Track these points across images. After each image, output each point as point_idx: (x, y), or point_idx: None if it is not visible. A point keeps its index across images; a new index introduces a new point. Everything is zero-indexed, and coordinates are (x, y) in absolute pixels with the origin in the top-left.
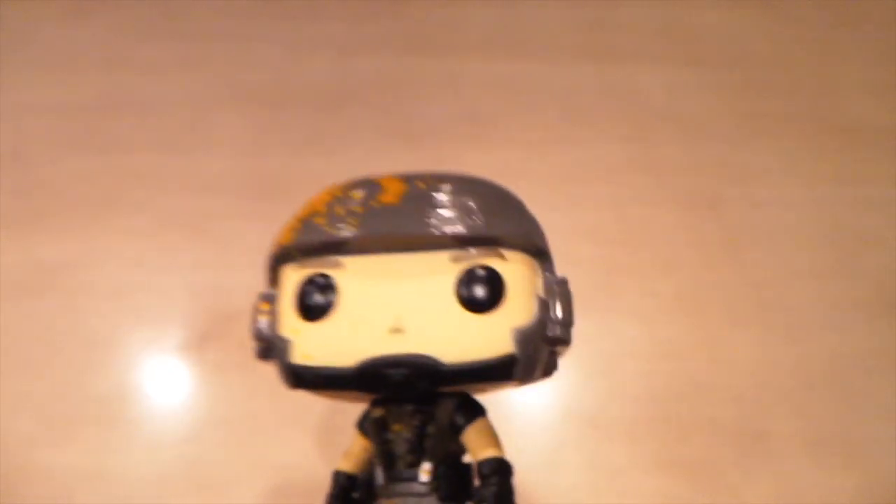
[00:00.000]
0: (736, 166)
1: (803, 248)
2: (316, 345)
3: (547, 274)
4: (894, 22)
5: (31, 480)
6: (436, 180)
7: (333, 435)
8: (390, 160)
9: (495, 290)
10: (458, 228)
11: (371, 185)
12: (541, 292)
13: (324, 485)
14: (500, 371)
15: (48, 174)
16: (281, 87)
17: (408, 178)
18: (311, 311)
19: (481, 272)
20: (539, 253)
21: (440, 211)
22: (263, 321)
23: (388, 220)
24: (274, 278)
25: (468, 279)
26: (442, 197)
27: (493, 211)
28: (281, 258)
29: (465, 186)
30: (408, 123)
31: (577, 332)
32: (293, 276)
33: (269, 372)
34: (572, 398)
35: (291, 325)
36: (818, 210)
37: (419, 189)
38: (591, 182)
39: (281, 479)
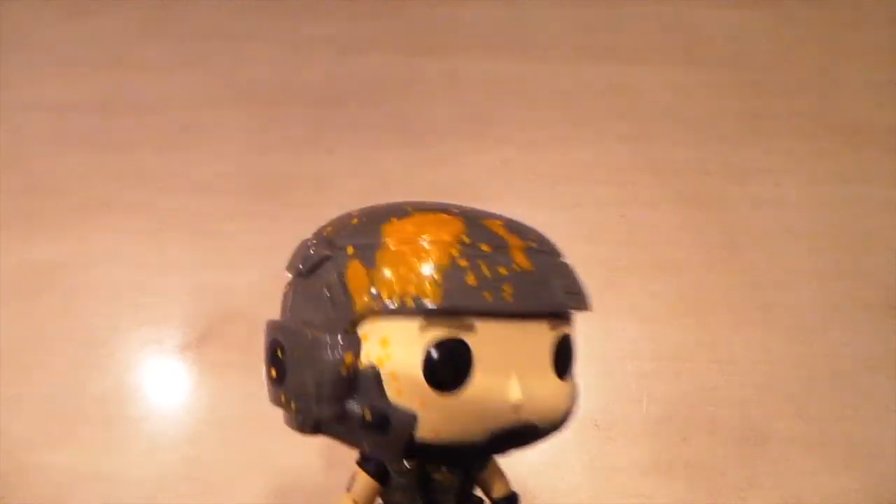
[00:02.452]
0: (737, 166)
1: (805, 249)
2: (447, 419)
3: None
4: (895, 22)
5: (30, 480)
6: (538, 239)
7: None
8: (390, 160)
9: (573, 356)
10: (584, 303)
11: (496, 238)
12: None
13: (323, 485)
14: (559, 428)
15: (48, 174)
16: (281, 86)
17: (514, 230)
18: (446, 381)
19: (568, 342)
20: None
21: (565, 281)
22: (348, 381)
23: (538, 290)
24: (355, 323)
25: (560, 348)
26: (558, 264)
27: (578, 280)
28: (397, 313)
29: (557, 252)
30: (408, 123)
31: (577, 332)
32: (417, 336)
33: None
34: None
35: (415, 394)
36: (819, 210)
37: (535, 250)
38: (591, 182)
39: (280, 480)
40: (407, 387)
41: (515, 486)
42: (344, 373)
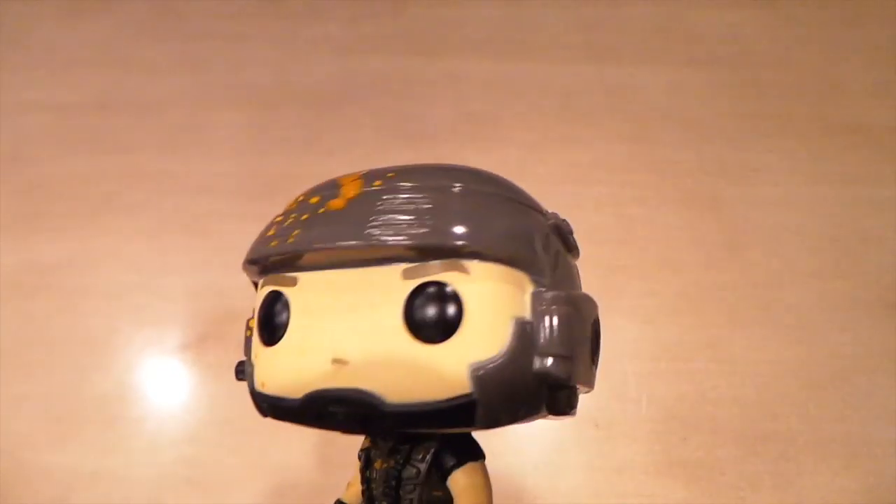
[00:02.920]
0: (737, 166)
1: (805, 248)
2: (269, 372)
3: (539, 290)
4: (894, 22)
5: (30, 480)
6: (398, 177)
7: (332, 435)
8: (390, 160)
9: (449, 313)
10: (399, 237)
11: (330, 188)
12: (525, 314)
13: (323, 485)
14: (455, 416)
15: (48, 174)
16: (281, 87)
17: (368, 176)
18: (269, 333)
19: (431, 291)
20: (528, 263)
21: (386, 216)
22: (246, 340)
23: (326, 231)
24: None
25: (418, 300)
26: (393, 198)
27: (456, 211)
28: (252, 271)
29: (430, 182)
30: (408, 123)
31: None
32: (260, 293)
33: None
34: None
35: (255, 347)
36: (820, 210)
37: (373, 189)
38: (591, 182)
39: (280, 480)
40: (253, 340)
41: (513, 485)
42: (246, 335)
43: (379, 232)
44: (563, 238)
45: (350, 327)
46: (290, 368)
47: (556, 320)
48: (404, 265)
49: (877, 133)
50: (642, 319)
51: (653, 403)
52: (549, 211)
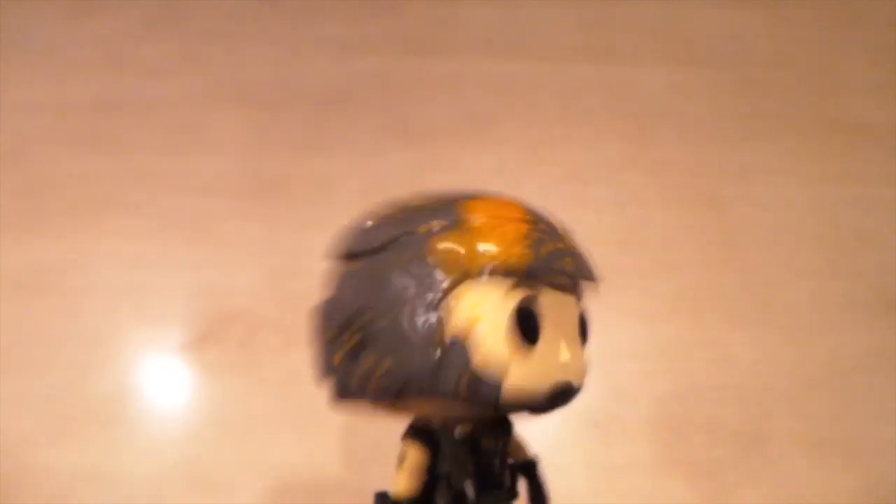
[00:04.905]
0: (736, 166)
1: (803, 248)
2: (525, 378)
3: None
4: (894, 22)
5: (31, 480)
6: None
7: (333, 435)
8: (390, 160)
9: (589, 326)
10: (593, 279)
11: (545, 221)
12: None
13: (323, 484)
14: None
15: (48, 174)
16: (281, 87)
17: (533, 219)
18: (528, 337)
19: (585, 315)
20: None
21: (585, 257)
22: (445, 347)
23: (587, 266)
24: (448, 293)
25: (583, 318)
26: (569, 239)
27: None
28: (488, 278)
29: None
30: (408, 123)
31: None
32: (500, 301)
33: (269, 372)
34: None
35: (501, 355)
36: (818, 210)
37: (557, 231)
38: (591, 182)
39: (281, 479)
40: (494, 349)
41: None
42: (436, 344)
43: (593, 272)
44: None
45: (562, 336)
46: (544, 367)
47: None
48: (576, 295)
49: (877, 133)
50: (642, 319)
51: (652, 403)
52: None
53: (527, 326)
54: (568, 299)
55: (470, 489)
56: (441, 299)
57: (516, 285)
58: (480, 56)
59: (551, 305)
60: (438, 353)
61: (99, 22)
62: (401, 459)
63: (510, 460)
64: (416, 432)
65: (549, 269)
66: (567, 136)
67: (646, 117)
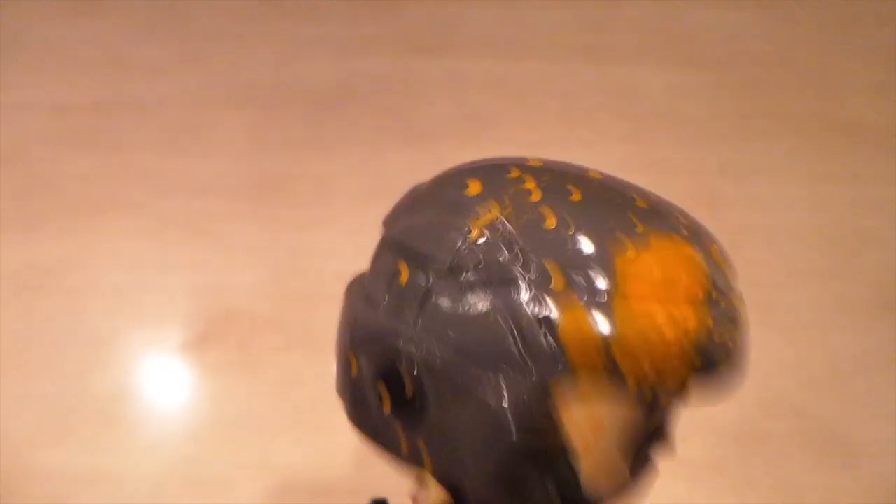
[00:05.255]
0: (736, 166)
1: (803, 248)
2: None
3: None
4: (894, 22)
5: (31, 480)
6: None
7: (333, 435)
8: (390, 160)
9: None
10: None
11: (724, 281)
12: None
13: (323, 484)
14: None
15: (48, 174)
16: (281, 87)
17: (727, 259)
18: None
19: None
20: None
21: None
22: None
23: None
24: (558, 383)
25: None
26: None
27: None
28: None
29: None
30: (408, 123)
31: None
32: (633, 420)
33: (269, 372)
34: None
35: (610, 477)
36: (818, 210)
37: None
38: None
39: (280, 479)
40: (604, 473)
41: None
42: (522, 439)
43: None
44: None
45: None
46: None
47: None
48: None
49: (876, 133)
50: None
51: None
52: None
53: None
54: None
55: None
56: (544, 390)
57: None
58: (480, 56)
59: None
60: (520, 458)
61: (99, 22)
62: (419, 479)
63: None
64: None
65: (721, 380)
66: (567, 136)
67: (646, 117)
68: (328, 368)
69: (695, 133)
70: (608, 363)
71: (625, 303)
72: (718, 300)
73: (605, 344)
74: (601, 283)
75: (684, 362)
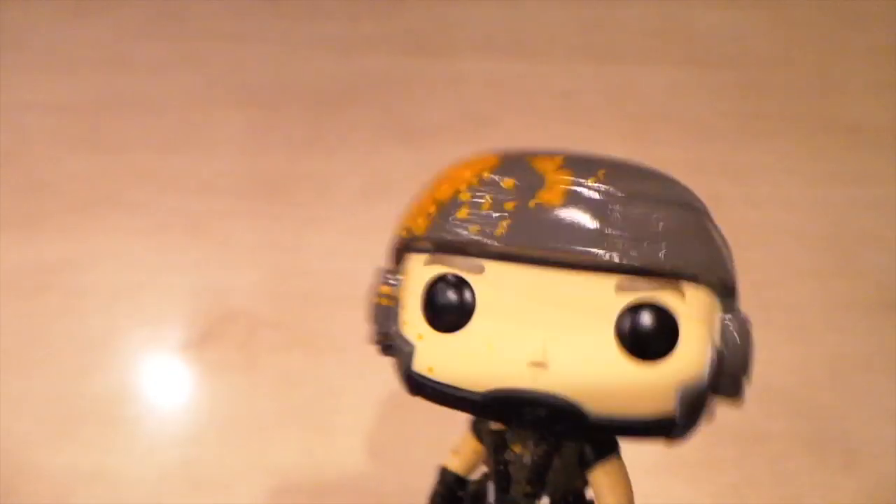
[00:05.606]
0: (736, 166)
1: (803, 248)
2: (441, 358)
3: (728, 316)
4: (894, 22)
5: (30, 480)
6: (613, 178)
7: (333, 435)
8: (390, 160)
9: (667, 335)
10: (633, 256)
11: (528, 174)
12: (717, 339)
13: (323, 484)
14: (654, 431)
15: (48, 174)
16: (281, 87)
17: (576, 168)
18: (441, 319)
19: (652, 312)
20: (725, 289)
21: (613, 227)
22: (383, 309)
23: (545, 230)
24: (399, 260)
25: (634, 318)
26: (618, 207)
27: (680, 232)
28: (407, 246)
29: (650, 193)
30: (408, 123)
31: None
32: (421, 271)
33: (269, 372)
34: None
35: (416, 327)
36: (818, 210)
37: (589, 189)
38: None
39: (281, 479)
40: (409, 317)
41: None
42: (376, 301)
43: (607, 243)
44: None
45: (554, 331)
46: (473, 361)
47: (743, 347)
48: (619, 277)
49: (876, 133)
50: None
51: None
52: None
53: (443, 304)
54: (579, 281)
55: (491, 493)
56: (387, 267)
57: (434, 257)
58: (480, 56)
59: (514, 285)
60: (374, 316)
61: (99, 22)
62: (458, 442)
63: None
64: (475, 420)
65: (459, 233)
66: (567, 136)
67: (646, 117)
68: (328, 368)
69: (695, 133)
70: (398, 226)
71: (419, 191)
72: (492, 180)
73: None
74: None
75: (423, 213)
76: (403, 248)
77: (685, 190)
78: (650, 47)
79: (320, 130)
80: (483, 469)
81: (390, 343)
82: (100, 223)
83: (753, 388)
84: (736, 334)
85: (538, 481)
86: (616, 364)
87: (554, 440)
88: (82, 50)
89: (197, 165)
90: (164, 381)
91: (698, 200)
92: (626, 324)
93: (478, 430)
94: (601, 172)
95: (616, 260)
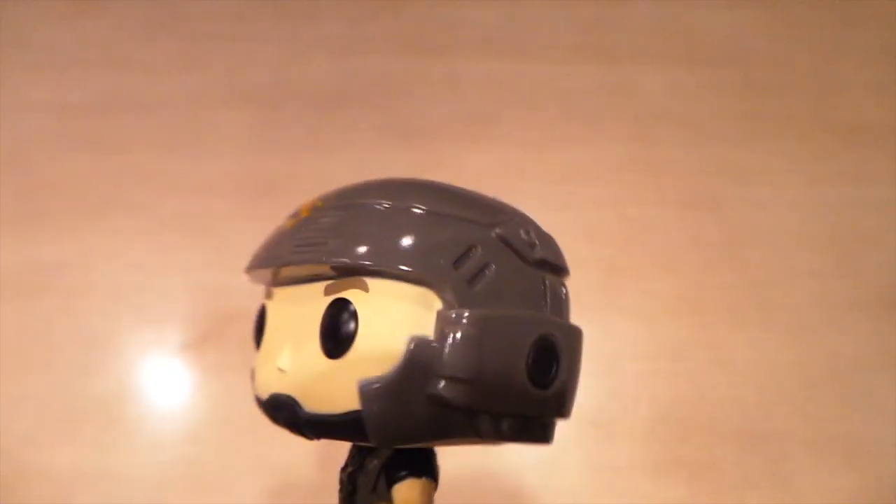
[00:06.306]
0: (736, 166)
1: (804, 248)
2: (254, 377)
3: (446, 309)
4: (894, 22)
5: (30, 480)
6: (338, 196)
7: None
8: (390, 160)
9: (345, 329)
10: (307, 254)
11: (296, 209)
12: (428, 332)
13: (324, 485)
14: (349, 429)
15: (48, 174)
16: (280, 87)
17: (324, 196)
18: (256, 340)
19: (335, 308)
20: (434, 280)
21: (310, 235)
22: None
23: (268, 248)
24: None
25: (327, 316)
26: (321, 217)
27: (363, 229)
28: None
29: (355, 199)
30: (408, 123)
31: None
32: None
33: None
34: None
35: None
36: (819, 210)
37: (316, 208)
38: (591, 182)
39: (281, 479)
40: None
41: (513, 485)
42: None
43: (300, 251)
44: (513, 249)
45: (291, 338)
46: (259, 372)
47: (458, 340)
48: (325, 283)
49: (876, 133)
50: (642, 319)
51: (652, 403)
52: (511, 220)
53: (256, 328)
54: (304, 292)
55: None
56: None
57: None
58: (480, 56)
59: (279, 304)
60: None
61: (99, 22)
62: None
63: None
64: None
65: (258, 260)
66: (567, 135)
67: (646, 117)
68: None
69: (695, 133)
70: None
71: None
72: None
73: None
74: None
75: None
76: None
77: (407, 191)
78: (650, 47)
79: (320, 130)
80: None
81: None
82: (100, 223)
83: (753, 388)
84: (450, 327)
85: (349, 500)
86: (316, 362)
87: (360, 461)
88: (82, 50)
89: (197, 165)
90: (164, 381)
91: (425, 197)
92: (323, 323)
93: None
94: (334, 194)
95: (293, 261)
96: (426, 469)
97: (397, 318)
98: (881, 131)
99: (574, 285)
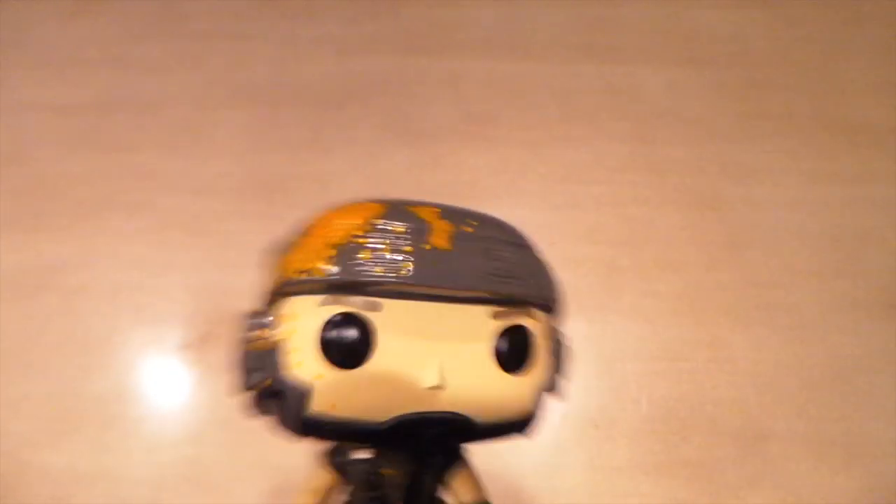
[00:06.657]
0: (737, 166)
1: (804, 248)
2: (343, 395)
3: (556, 329)
4: (895, 22)
5: (30, 480)
6: (481, 224)
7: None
8: (390, 160)
9: (529, 351)
10: (506, 290)
11: (414, 220)
12: (551, 349)
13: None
14: (521, 429)
15: (48, 174)
16: (280, 86)
17: (450, 216)
18: (343, 357)
19: (519, 333)
20: (552, 309)
21: (493, 264)
22: (260, 354)
23: (444, 268)
24: (274, 301)
25: (506, 339)
26: (492, 247)
27: (530, 268)
28: (285, 290)
29: (506, 238)
30: (408, 123)
31: (577, 332)
32: (316, 312)
33: None
34: (573, 399)
35: (313, 368)
36: (819, 210)
37: (466, 233)
38: (591, 182)
39: (281, 479)
40: (305, 359)
41: (514, 485)
42: (250, 347)
43: (494, 278)
44: None
45: (445, 358)
46: (376, 393)
47: (565, 354)
48: (494, 308)
49: (878, 133)
50: (642, 319)
51: (653, 403)
52: None
53: (343, 342)
54: (459, 311)
55: None
56: (261, 311)
57: (329, 296)
58: (480, 56)
59: (407, 318)
60: (253, 362)
61: (99, 22)
62: (307, 479)
63: (446, 499)
64: (330, 452)
65: (365, 273)
66: (567, 135)
67: (646, 117)
68: None
69: (695, 133)
70: (282, 270)
71: (301, 236)
72: (384, 226)
73: (285, 260)
74: (297, 233)
75: (324, 255)
76: (281, 292)
77: (520, 232)
78: (650, 47)
79: (320, 130)
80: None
81: (277, 389)
82: (100, 223)
83: (753, 388)
84: (561, 343)
85: (414, 497)
86: (495, 378)
87: (421, 458)
88: (82, 50)
89: (197, 165)
90: (164, 381)
91: (529, 238)
92: (502, 345)
93: (338, 464)
94: (470, 221)
95: (497, 293)
96: (467, 454)
97: (547, 339)
98: (882, 131)
99: (574, 285)
